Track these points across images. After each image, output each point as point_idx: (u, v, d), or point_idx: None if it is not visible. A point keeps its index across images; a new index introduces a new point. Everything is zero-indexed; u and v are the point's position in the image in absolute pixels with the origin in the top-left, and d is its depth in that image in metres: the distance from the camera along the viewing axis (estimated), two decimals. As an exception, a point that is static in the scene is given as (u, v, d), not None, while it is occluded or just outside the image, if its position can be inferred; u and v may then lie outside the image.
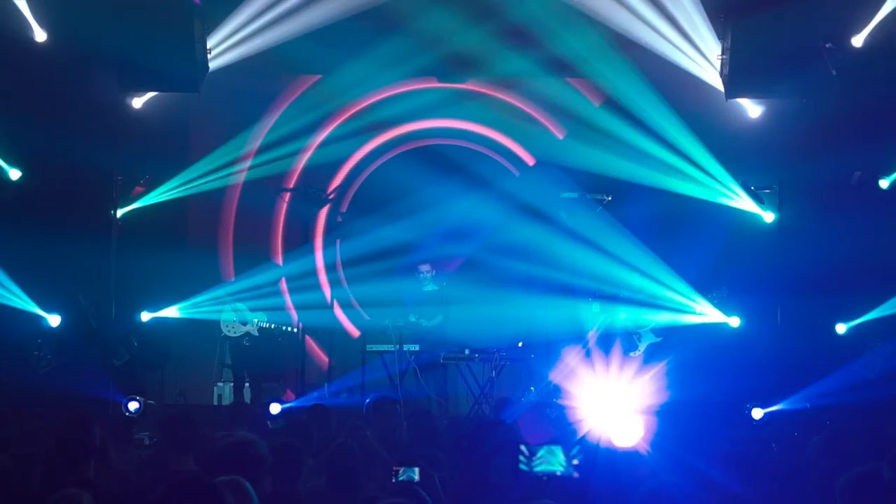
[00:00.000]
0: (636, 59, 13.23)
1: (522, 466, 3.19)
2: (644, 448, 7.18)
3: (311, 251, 14.05)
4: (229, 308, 13.77)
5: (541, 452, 3.26)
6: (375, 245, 13.89)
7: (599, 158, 13.66)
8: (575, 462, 3.26)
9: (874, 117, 13.02)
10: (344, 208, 14.33)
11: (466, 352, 13.44)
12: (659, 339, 13.98)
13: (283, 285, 14.15)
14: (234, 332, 13.86)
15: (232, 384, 14.02)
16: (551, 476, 3.21)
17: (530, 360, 13.69)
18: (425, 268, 13.80)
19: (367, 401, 11.00)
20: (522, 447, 3.23)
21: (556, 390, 13.33)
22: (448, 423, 9.13)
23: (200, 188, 13.80)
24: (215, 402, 13.97)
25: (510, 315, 13.69)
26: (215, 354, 14.25)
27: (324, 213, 14.49)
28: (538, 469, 3.14)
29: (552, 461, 3.26)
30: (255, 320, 13.68)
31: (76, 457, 6.14)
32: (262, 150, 13.81)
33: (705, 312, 13.85)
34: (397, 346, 13.56)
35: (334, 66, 13.41)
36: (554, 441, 3.17)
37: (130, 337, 13.52)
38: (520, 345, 13.70)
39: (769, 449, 8.25)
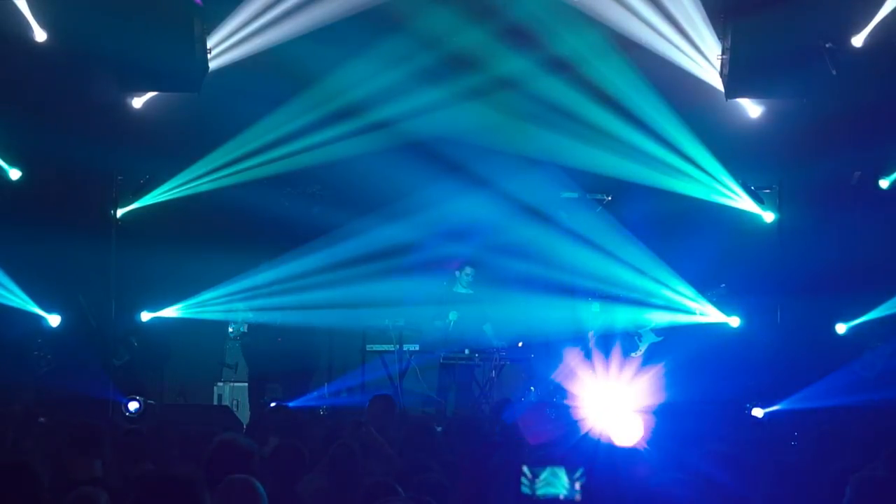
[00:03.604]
0: (636, 59, 13.21)
1: (525, 490, 3.18)
2: (643, 446, 7.19)
3: (311, 251, 14.03)
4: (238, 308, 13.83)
5: (543, 475, 3.25)
6: (375, 245, 13.88)
7: (599, 158, 13.65)
8: (578, 485, 3.24)
9: (874, 117, 13.02)
10: (343, 208, 14.32)
11: (466, 352, 13.44)
12: (659, 339, 13.99)
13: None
14: (234, 333, 13.90)
15: (232, 384, 14.04)
16: (554, 500, 3.20)
17: (530, 360, 13.69)
18: (468, 269, 13.81)
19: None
20: (525, 469, 3.21)
21: (557, 390, 13.36)
22: (445, 428, 9.09)
23: (200, 188, 13.79)
24: (215, 402, 13.97)
25: (510, 315, 13.69)
26: (216, 354, 14.28)
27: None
28: (541, 492, 3.12)
29: (555, 483, 3.24)
30: (242, 319, 13.72)
31: (87, 456, 6.23)
32: (262, 150, 13.80)
33: (705, 312, 13.86)
34: (397, 346, 13.56)
35: (334, 66, 13.40)
36: (557, 462, 3.15)
37: (130, 337, 13.53)
38: (520, 345, 13.70)
39: (771, 448, 8.25)
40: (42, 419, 9.27)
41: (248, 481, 4.94)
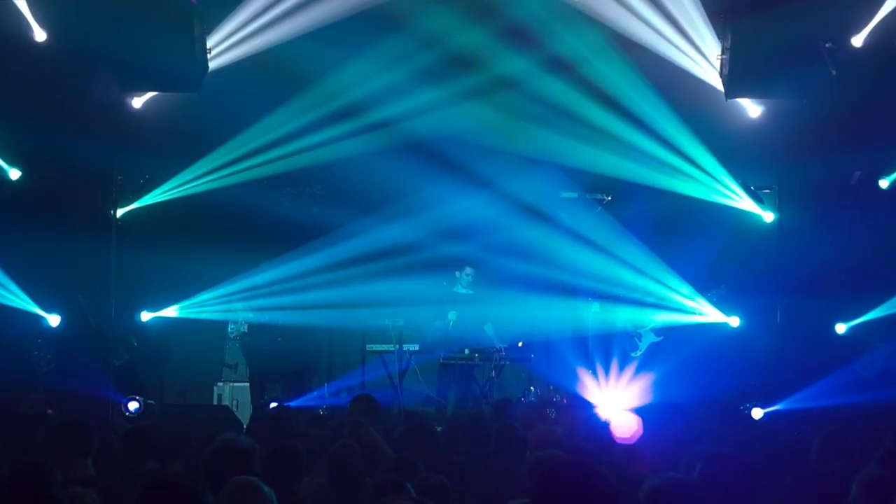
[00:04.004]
0: (636, 59, 13.22)
1: None
2: (643, 446, 7.19)
3: (311, 251, 14.04)
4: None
5: None
6: (375, 245, 13.89)
7: (599, 158, 13.65)
8: None
9: (874, 117, 13.01)
10: (343, 208, 14.32)
11: (466, 352, 13.44)
12: (659, 339, 14.00)
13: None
14: (233, 333, 13.91)
15: (232, 384, 14.06)
16: None
17: (530, 360, 13.69)
18: (468, 270, 13.80)
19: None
20: None
21: (557, 390, 13.37)
22: (445, 428, 9.07)
23: (200, 188, 13.79)
24: (215, 402, 13.98)
25: (510, 315, 13.69)
26: (216, 354, 14.29)
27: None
28: None
29: None
30: (242, 319, 13.75)
31: (77, 456, 6.22)
32: (262, 150, 13.81)
33: (705, 312, 13.86)
34: (397, 346, 13.55)
35: (334, 66, 13.41)
36: None
37: (130, 337, 13.53)
38: (520, 345, 13.70)
39: (770, 448, 8.25)
40: (50, 411, 9.27)
41: (254, 482, 4.93)
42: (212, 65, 13.05)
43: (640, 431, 7.59)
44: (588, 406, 12.69)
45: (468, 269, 13.82)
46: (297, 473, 6.64)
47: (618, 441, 7.56)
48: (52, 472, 5.30)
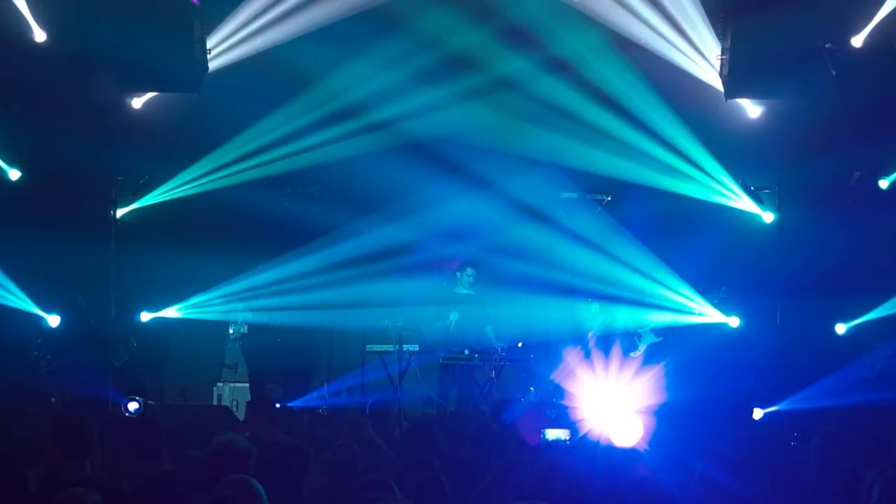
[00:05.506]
0: (636, 59, 13.22)
1: None
2: (643, 447, 7.19)
3: (310, 251, 14.05)
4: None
5: None
6: (375, 245, 13.90)
7: (599, 158, 13.66)
8: None
9: (874, 117, 13.02)
10: (342, 208, 14.32)
11: (466, 352, 13.44)
12: (659, 340, 13.99)
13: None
14: (235, 335, 13.92)
15: (232, 384, 14.06)
16: None
17: (530, 360, 13.69)
18: (469, 270, 13.81)
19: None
20: None
21: (557, 390, 13.36)
22: (445, 428, 9.06)
23: (200, 188, 13.80)
24: (215, 402, 13.98)
25: (510, 315, 13.69)
26: (216, 354, 14.29)
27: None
28: None
29: None
30: (242, 319, 13.76)
31: (75, 456, 6.18)
32: (261, 150, 13.81)
33: (705, 313, 13.85)
34: (397, 347, 13.55)
35: (334, 66, 13.41)
36: None
37: (130, 337, 13.53)
38: (520, 345, 13.70)
39: (771, 449, 8.26)
40: (53, 399, 9.22)
41: (246, 480, 4.92)
42: (212, 65, 13.05)
43: (642, 435, 7.60)
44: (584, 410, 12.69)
45: (469, 270, 13.84)
46: (303, 473, 6.64)
47: (619, 446, 7.57)
48: (21, 471, 5.22)
